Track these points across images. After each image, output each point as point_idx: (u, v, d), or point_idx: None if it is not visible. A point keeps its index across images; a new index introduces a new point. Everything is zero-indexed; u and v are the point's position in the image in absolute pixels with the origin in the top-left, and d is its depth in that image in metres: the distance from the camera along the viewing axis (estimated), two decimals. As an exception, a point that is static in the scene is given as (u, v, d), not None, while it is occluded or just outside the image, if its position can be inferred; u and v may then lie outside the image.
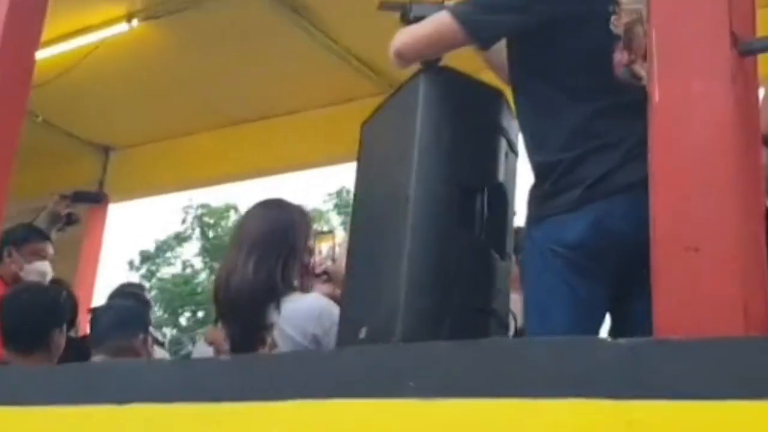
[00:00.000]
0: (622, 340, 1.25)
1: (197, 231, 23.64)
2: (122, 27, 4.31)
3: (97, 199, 5.26)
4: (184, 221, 23.54)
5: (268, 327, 2.21)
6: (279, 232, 2.34)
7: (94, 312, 3.16)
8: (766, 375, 1.15)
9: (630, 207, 1.72)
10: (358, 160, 2.09)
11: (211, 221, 23.51)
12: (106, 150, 5.87)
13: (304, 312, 2.23)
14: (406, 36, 1.98)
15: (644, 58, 1.91)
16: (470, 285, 1.78)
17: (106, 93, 5.01)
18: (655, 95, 1.50)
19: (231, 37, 4.40)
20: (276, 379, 1.57)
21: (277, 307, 2.23)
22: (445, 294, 1.73)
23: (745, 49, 1.49)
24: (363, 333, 1.81)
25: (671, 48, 1.51)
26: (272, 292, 2.24)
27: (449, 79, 1.89)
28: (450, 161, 1.81)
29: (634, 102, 1.81)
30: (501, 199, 1.93)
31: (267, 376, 1.61)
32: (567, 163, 1.89)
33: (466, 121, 1.87)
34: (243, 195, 18.00)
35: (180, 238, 23.93)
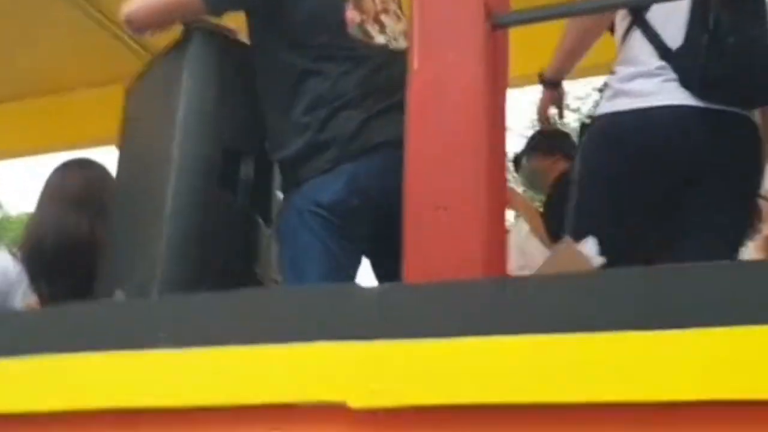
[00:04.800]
0: (370, 286, 1.30)
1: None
2: None
3: None
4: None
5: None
6: (94, 191, 2.34)
7: None
8: (495, 314, 1.23)
9: (382, 166, 1.78)
10: (123, 124, 2.03)
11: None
12: None
13: None
14: (138, 1, 1.93)
15: (375, 19, 2.02)
16: (231, 249, 1.78)
17: None
18: (414, 63, 1.57)
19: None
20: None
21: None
22: (204, 257, 1.72)
23: (497, 23, 1.59)
24: (118, 296, 1.76)
25: (430, 18, 1.59)
26: (96, 250, 2.24)
27: (220, 41, 1.88)
28: (215, 124, 1.80)
29: (369, 59, 1.94)
30: (266, 165, 1.94)
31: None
32: (316, 125, 1.90)
33: (236, 85, 1.87)
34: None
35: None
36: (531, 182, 3.63)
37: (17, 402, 1.43)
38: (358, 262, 1.91)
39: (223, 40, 1.89)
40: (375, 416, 1.25)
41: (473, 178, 1.48)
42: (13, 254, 2.32)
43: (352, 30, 1.98)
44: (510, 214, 3.92)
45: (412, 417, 1.25)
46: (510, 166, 3.50)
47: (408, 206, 1.48)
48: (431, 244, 1.42)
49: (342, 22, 1.97)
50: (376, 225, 1.88)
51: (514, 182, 4.75)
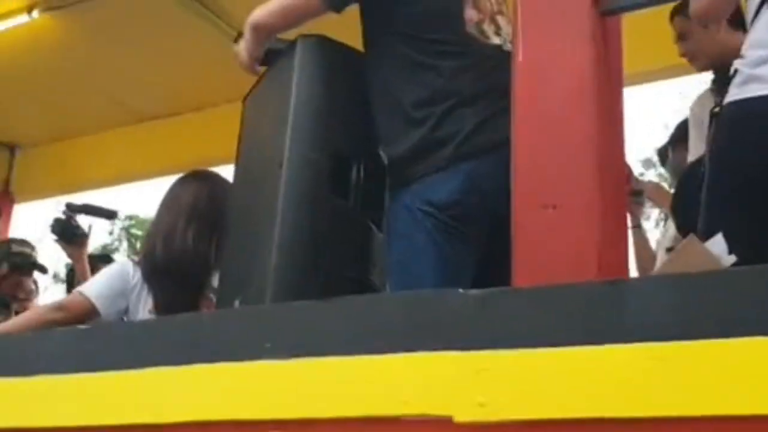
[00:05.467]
0: (473, 291, 1.23)
1: (125, 243, 23.12)
2: (23, 18, 4.17)
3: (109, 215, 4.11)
4: (111, 233, 23.02)
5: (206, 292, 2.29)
6: (216, 206, 2.37)
7: None
8: (610, 320, 1.14)
9: (498, 167, 1.70)
10: (240, 134, 2.05)
11: (140, 233, 23.03)
12: (11, 148, 5.69)
13: None
14: (261, 10, 1.96)
15: (491, 19, 1.96)
16: (343, 255, 1.75)
17: (10, 89, 4.85)
18: (519, 54, 1.50)
19: (135, 29, 4.29)
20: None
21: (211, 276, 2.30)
22: (317, 263, 1.69)
23: (607, 8, 1.49)
24: (236, 304, 1.77)
25: (535, 8, 1.51)
26: (207, 263, 2.31)
27: (326, 46, 1.85)
28: (325, 128, 1.78)
29: (484, 59, 1.89)
30: (379, 169, 1.90)
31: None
32: (432, 121, 1.84)
33: (344, 90, 1.85)
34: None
35: (107, 251, 23.37)
36: (678, 176, 3.42)
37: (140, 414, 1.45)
38: (471, 268, 1.83)
39: (331, 45, 1.86)
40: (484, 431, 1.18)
41: (584, 173, 1.39)
42: (134, 261, 2.39)
43: (470, 28, 1.93)
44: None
45: (523, 432, 1.17)
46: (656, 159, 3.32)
47: (515, 205, 1.40)
48: (540, 246, 1.35)
49: (461, 20, 1.92)
50: (489, 229, 1.80)
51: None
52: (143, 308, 2.29)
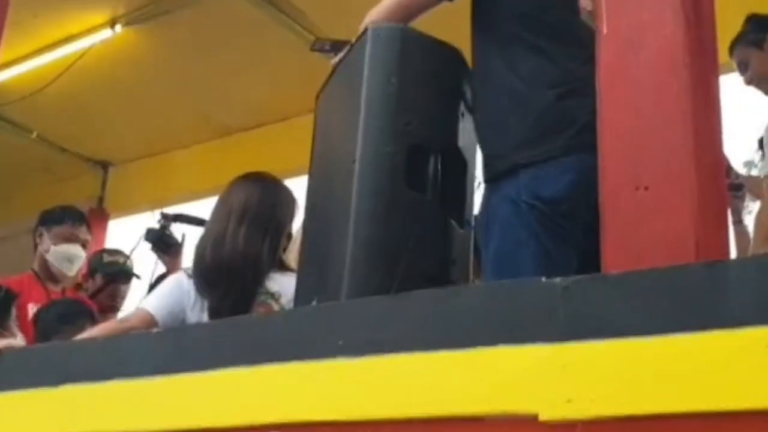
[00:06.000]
0: (557, 279, 1.14)
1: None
2: (107, 33, 4.25)
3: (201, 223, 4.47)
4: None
5: (256, 296, 2.22)
6: (268, 207, 2.33)
7: (38, 312, 3.08)
8: (709, 303, 1.03)
9: None
10: (313, 134, 1.99)
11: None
12: (104, 166, 5.82)
13: None
14: (378, 8, 1.91)
15: None
16: (422, 252, 1.66)
17: (100, 106, 4.96)
18: (603, 26, 1.40)
19: (217, 40, 4.33)
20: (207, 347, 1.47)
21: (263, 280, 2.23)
22: (394, 261, 1.60)
23: (694, -26, 1.38)
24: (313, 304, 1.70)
25: (618, -24, 1.41)
26: (259, 266, 2.24)
27: (399, 34, 1.77)
28: (399, 119, 1.69)
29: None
30: (459, 163, 1.81)
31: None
32: (542, 106, 1.76)
33: (420, 79, 1.76)
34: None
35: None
36: None
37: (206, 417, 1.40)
38: (572, 266, 1.72)
39: (404, 33, 1.79)
40: (572, 429, 1.08)
41: (678, 152, 1.27)
42: (187, 273, 2.34)
43: (584, 16, 1.84)
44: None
45: (615, 430, 1.07)
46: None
47: (604, 187, 1.30)
48: (632, 229, 1.24)
49: (575, 6, 1.84)
50: (585, 226, 1.69)
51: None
52: (197, 317, 2.24)
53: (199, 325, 2.06)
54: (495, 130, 1.83)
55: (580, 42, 1.78)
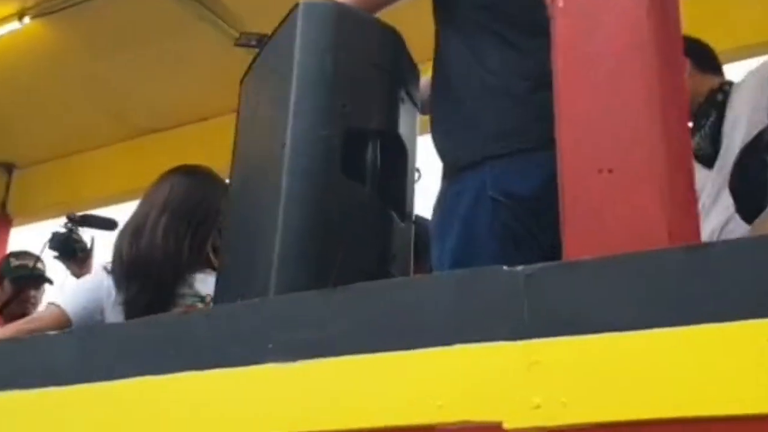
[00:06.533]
0: (520, 267, 1.00)
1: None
2: (14, 25, 3.98)
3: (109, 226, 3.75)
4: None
5: (178, 296, 2.10)
6: (194, 201, 2.22)
7: None
8: (692, 294, 0.91)
9: None
10: (237, 118, 1.83)
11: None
12: (8, 168, 5.49)
13: None
14: None
15: None
16: (360, 245, 1.51)
17: (5, 105, 4.67)
18: (559, -1, 1.28)
19: (133, 35, 4.11)
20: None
21: (185, 278, 2.11)
22: (326, 256, 1.45)
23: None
24: (236, 306, 1.53)
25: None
26: (178, 261, 2.12)
27: (334, 10, 1.62)
28: (332, 104, 1.55)
29: None
30: (400, 152, 1.67)
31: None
32: (515, 95, 1.67)
33: (355, 59, 1.61)
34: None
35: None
36: None
37: None
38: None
39: (339, 8, 1.64)
40: (541, 439, 0.95)
41: (643, 131, 1.16)
42: (106, 268, 2.19)
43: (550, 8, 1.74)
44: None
45: (589, 438, 0.94)
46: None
47: (563, 172, 1.18)
48: (596, 215, 1.12)
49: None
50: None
51: None
52: (119, 317, 2.08)
53: (106, 326, 1.87)
54: (461, 121, 1.74)
55: (543, 32, 1.70)
